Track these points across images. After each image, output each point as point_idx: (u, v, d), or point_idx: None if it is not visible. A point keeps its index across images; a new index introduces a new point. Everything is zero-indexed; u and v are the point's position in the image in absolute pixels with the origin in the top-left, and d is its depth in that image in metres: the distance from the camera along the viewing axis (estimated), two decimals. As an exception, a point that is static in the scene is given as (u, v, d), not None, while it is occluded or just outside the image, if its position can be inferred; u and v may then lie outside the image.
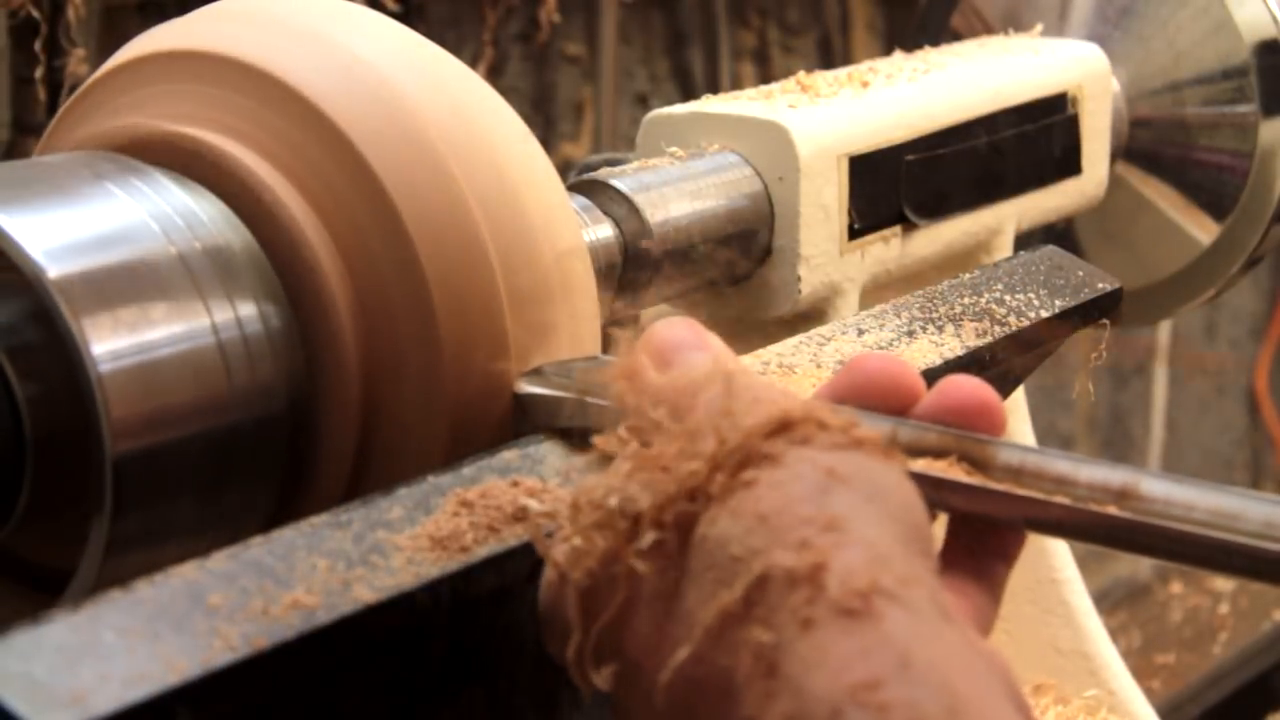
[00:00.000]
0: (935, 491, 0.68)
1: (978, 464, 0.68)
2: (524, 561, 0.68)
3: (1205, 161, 1.41)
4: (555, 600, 0.65)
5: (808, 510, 0.60)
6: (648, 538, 0.62)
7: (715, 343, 0.70)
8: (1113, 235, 1.46)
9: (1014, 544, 0.70)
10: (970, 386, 0.70)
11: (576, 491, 0.66)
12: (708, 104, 1.13)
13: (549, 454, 0.75)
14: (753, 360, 0.86)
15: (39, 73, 1.45)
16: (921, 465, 0.68)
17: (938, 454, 0.69)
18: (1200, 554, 0.65)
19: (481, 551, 0.68)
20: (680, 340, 0.69)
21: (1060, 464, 0.67)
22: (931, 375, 0.84)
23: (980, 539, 0.70)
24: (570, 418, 0.78)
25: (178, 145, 0.81)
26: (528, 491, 0.71)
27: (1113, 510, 0.66)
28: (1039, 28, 1.40)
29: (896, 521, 0.62)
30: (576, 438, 0.76)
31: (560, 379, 0.80)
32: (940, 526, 0.71)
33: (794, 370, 0.85)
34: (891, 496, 0.62)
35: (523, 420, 0.80)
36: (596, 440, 0.68)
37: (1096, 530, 0.67)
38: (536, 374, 0.81)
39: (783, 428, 0.63)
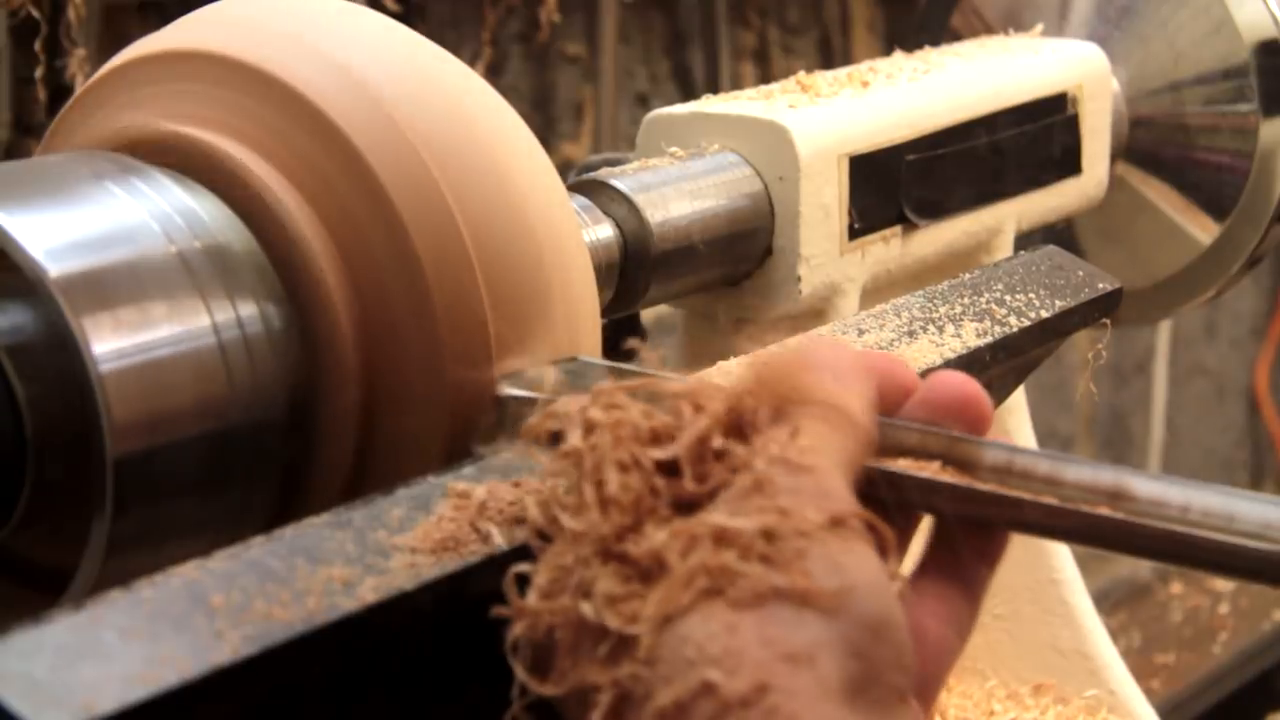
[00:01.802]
0: (921, 494, 0.67)
1: (964, 464, 0.68)
2: (524, 562, 0.68)
3: (1205, 161, 1.41)
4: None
5: (775, 631, 0.59)
6: (603, 648, 0.61)
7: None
8: (1113, 235, 1.45)
9: (996, 547, 0.69)
10: (955, 381, 0.69)
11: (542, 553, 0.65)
12: (708, 104, 1.13)
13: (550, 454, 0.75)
14: (749, 360, 0.86)
15: (39, 73, 1.44)
16: (905, 465, 0.68)
17: (924, 454, 0.68)
18: (1194, 555, 0.64)
19: (481, 552, 0.68)
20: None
21: (1049, 464, 0.67)
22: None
23: (962, 541, 0.69)
24: None
25: (178, 145, 0.81)
26: (529, 491, 0.71)
27: (1104, 511, 0.65)
28: (1039, 28, 1.40)
29: (861, 659, 0.60)
30: (558, 441, 0.76)
31: (544, 381, 0.79)
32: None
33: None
34: (868, 629, 0.60)
35: (504, 422, 0.80)
36: (563, 517, 0.65)
37: (1088, 531, 0.66)
38: (519, 375, 0.80)
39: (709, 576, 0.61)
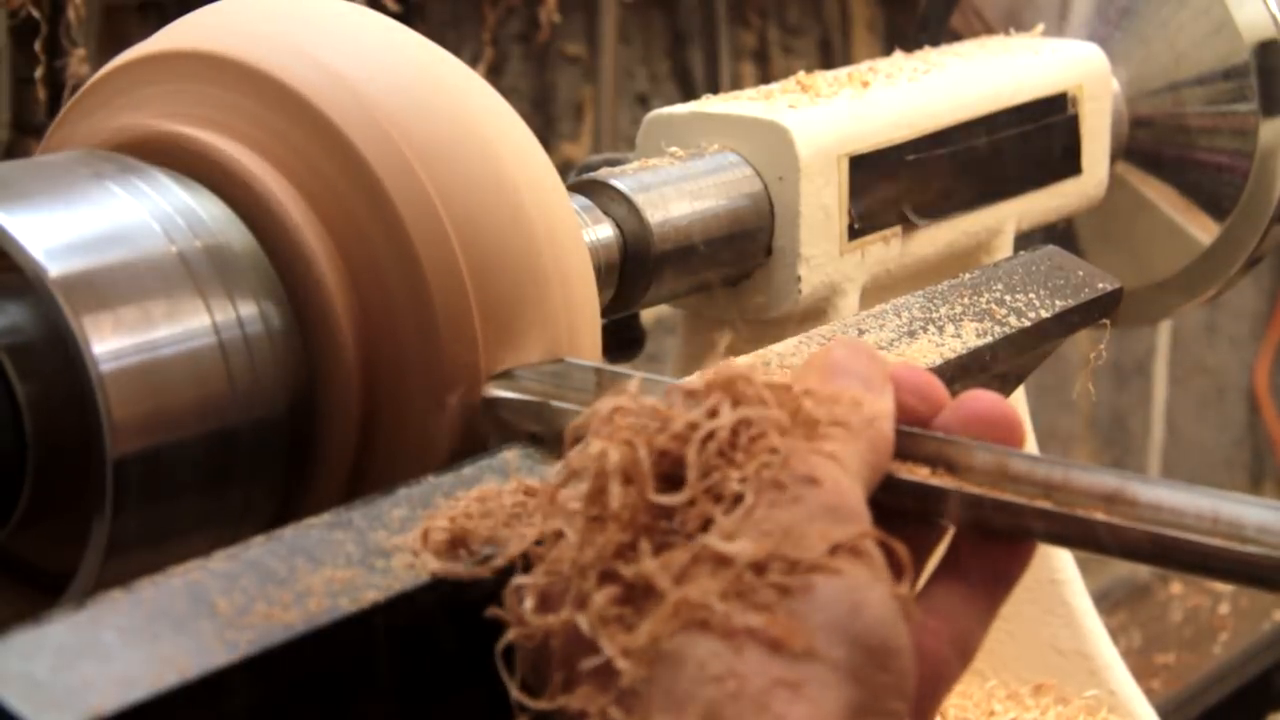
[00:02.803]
0: (916, 499, 0.67)
1: (959, 468, 0.67)
2: (523, 562, 0.68)
3: (1205, 161, 1.41)
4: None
5: (777, 669, 0.58)
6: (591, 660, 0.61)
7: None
8: (1113, 235, 1.45)
9: (1015, 567, 0.69)
10: (988, 400, 0.68)
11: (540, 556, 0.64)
12: (708, 104, 1.13)
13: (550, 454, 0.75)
14: (751, 360, 0.86)
15: (39, 73, 1.45)
16: (901, 470, 0.67)
17: (918, 458, 0.68)
18: (1191, 560, 0.64)
19: (481, 552, 0.68)
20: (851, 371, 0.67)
21: (1046, 469, 0.66)
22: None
23: (978, 558, 0.68)
24: (537, 422, 0.77)
25: (178, 145, 0.81)
26: (528, 491, 0.71)
27: (1100, 516, 0.65)
28: (1039, 28, 1.40)
29: (862, 686, 0.60)
30: (546, 443, 0.76)
31: (529, 382, 0.79)
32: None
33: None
34: (871, 657, 0.60)
35: (492, 423, 0.80)
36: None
37: (1085, 536, 0.65)
38: (506, 377, 0.80)
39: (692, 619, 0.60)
